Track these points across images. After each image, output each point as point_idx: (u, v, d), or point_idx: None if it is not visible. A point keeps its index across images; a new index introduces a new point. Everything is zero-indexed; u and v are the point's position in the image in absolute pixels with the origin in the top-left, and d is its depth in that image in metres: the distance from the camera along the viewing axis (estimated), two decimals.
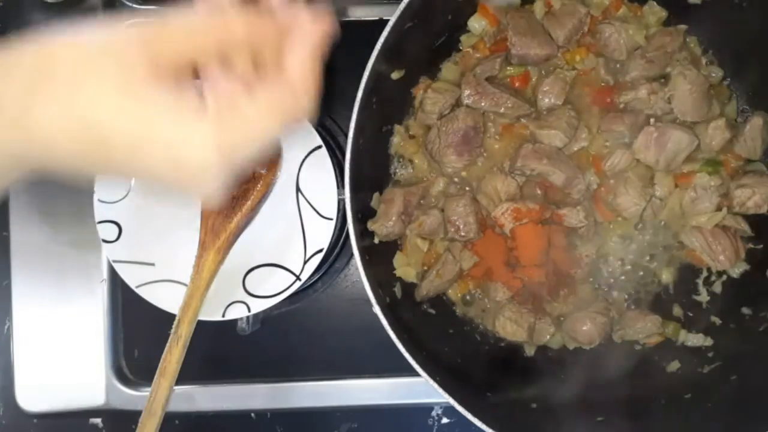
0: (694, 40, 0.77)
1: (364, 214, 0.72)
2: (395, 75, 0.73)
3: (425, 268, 0.76)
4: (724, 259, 0.74)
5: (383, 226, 0.72)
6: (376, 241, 0.73)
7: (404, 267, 0.76)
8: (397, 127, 0.77)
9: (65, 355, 0.79)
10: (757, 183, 0.73)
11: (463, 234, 0.74)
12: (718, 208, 0.74)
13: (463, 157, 0.75)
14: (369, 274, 0.65)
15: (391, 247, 0.76)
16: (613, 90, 0.76)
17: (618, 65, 0.76)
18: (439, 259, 0.75)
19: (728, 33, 0.75)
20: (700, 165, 0.74)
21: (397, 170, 0.78)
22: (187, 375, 0.79)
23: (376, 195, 0.74)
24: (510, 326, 0.75)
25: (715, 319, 0.76)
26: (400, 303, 0.74)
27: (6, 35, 0.81)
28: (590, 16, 0.75)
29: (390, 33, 0.65)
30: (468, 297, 0.78)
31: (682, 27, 0.76)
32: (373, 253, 0.69)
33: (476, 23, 0.76)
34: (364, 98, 0.65)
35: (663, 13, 0.76)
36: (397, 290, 0.74)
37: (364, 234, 0.70)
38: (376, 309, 0.64)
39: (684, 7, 0.74)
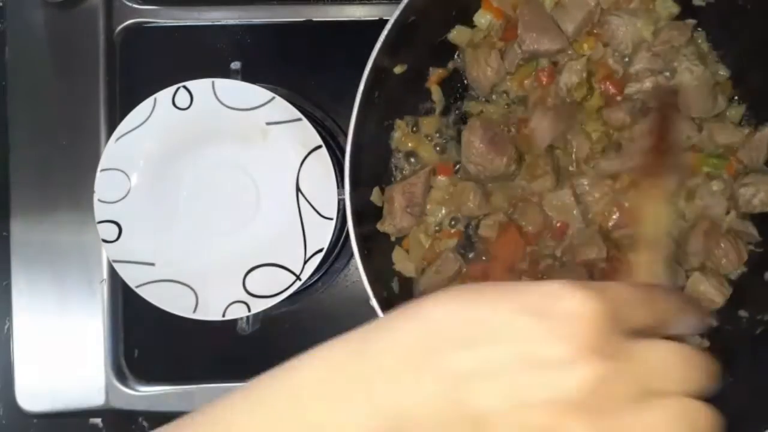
0: (701, 35, 0.76)
1: (363, 208, 0.71)
2: (398, 69, 0.73)
3: (425, 263, 0.76)
4: (727, 262, 0.73)
5: (391, 225, 0.72)
6: (391, 235, 0.73)
7: (403, 261, 0.75)
8: (399, 122, 0.77)
9: (65, 355, 0.79)
10: (760, 181, 0.73)
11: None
12: (726, 212, 0.74)
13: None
14: (367, 267, 0.64)
15: (391, 241, 0.75)
16: (621, 81, 0.75)
17: (625, 58, 0.75)
18: (440, 256, 0.75)
19: (732, 36, 0.74)
20: (704, 157, 0.74)
21: (398, 164, 0.78)
22: (186, 375, 0.79)
23: (376, 189, 0.74)
24: None
25: (712, 321, 0.76)
26: (398, 298, 0.74)
27: (5, 34, 0.81)
28: (600, 8, 0.75)
29: (392, 28, 0.65)
30: None
31: (691, 21, 0.75)
32: (372, 247, 0.69)
33: (482, 18, 0.76)
34: (366, 92, 0.65)
35: (675, 9, 0.75)
36: (395, 285, 0.74)
37: (362, 224, 0.70)
38: (373, 302, 0.64)
39: (690, 7, 0.74)
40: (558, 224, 0.74)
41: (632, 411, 0.33)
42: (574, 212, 0.74)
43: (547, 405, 0.33)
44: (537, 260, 0.75)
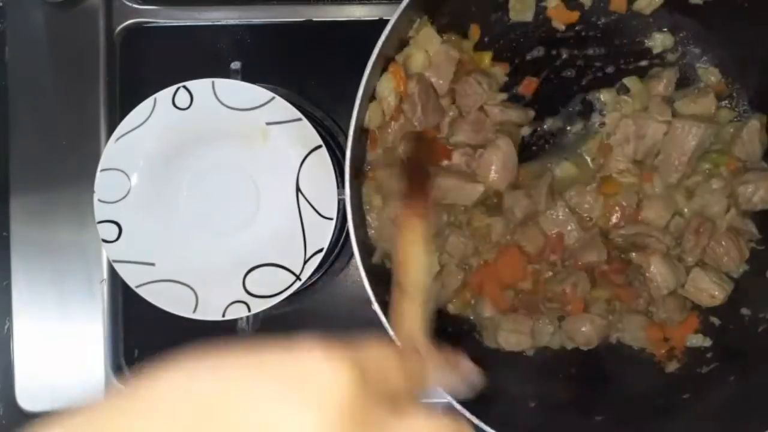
0: None
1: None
2: None
3: None
4: (728, 260, 0.73)
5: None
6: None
7: None
8: None
9: (65, 354, 0.79)
10: (759, 178, 0.73)
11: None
12: (726, 210, 0.74)
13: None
14: (368, 271, 0.64)
15: None
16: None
17: None
18: (443, 269, 0.74)
19: (730, 34, 0.74)
20: (703, 152, 0.73)
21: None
22: None
23: None
24: (513, 337, 0.74)
25: (714, 320, 0.76)
26: None
27: (5, 35, 0.81)
28: None
29: (391, 31, 0.65)
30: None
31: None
32: (374, 250, 0.69)
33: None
34: (367, 90, 0.65)
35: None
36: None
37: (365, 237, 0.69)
38: (375, 307, 0.64)
39: (687, 6, 0.74)
40: (554, 234, 0.74)
41: None
42: (571, 225, 0.74)
43: None
44: (539, 280, 0.75)
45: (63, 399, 0.79)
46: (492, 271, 0.75)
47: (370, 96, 0.69)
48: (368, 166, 0.72)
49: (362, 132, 0.69)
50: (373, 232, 0.71)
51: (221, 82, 0.70)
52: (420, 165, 0.63)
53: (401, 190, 0.56)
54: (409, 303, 0.48)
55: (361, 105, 0.65)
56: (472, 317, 0.77)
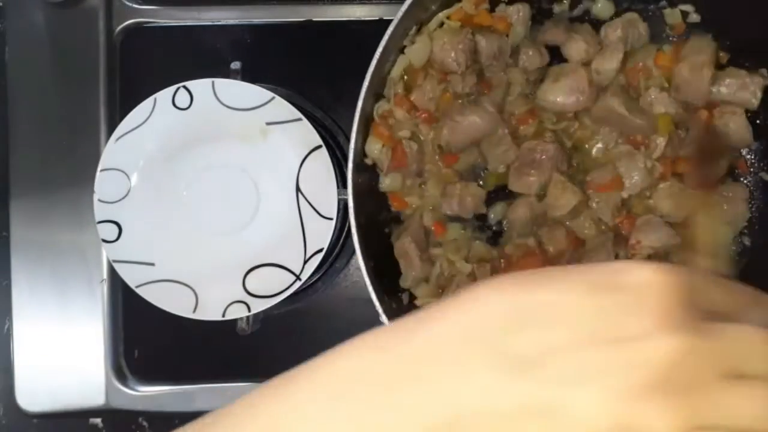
0: None
1: (369, 218, 0.70)
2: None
3: (440, 291, 0.73)
4: None
5: (413, 278, 0.71)
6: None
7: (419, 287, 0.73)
8: None
9: (65, 355, 0.79)
10: None
11: None
12: None
13: None
14: (370, 273, 0.64)
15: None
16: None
17: None
18: (452, 281, 0.72)
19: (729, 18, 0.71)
20: None
21: None
22: (186, 375, 0.79)
23: (382, 176, 0.73)
24: None
25: None
26: (406, 309, 0.73)
27: (5, 35, 0.81)
28: None
29: (393, 33, 0.65)
30: None
31: None
32: (380, 264, 0.68)
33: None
34: (366, 99, 0.65)
35: None
36: (404, 297, 0.73)
37: (368, 237, 0.69)
38: (383, 318, 0.63)
39: None
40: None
41: (723, 389, 0.29)
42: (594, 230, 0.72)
43: (624, 387, 0.28)
44: None
45: (63, 399, 0.79)
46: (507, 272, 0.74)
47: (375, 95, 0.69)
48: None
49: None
50: None
51: (221, 82, 0.70)
52: (712, 144, 0.69)
53: (696, 167, 0.67)
54: (703, 258, 0.55)
55: (363, 105, 0.65)
56: None
